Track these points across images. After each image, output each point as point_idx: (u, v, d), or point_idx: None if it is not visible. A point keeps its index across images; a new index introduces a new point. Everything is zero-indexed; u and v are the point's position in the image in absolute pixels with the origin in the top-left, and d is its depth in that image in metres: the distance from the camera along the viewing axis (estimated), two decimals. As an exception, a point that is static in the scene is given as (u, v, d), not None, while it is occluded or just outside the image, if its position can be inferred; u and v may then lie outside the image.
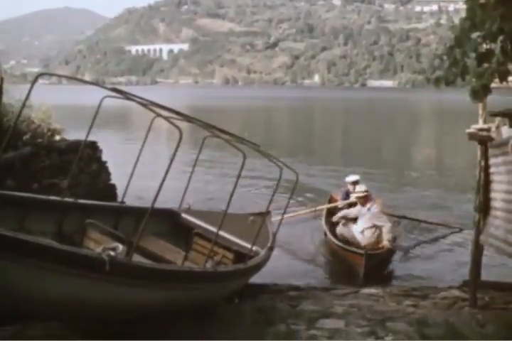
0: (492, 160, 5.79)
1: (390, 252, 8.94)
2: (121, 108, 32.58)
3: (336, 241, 8.87)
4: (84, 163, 10.11)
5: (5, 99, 9.23)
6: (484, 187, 5.88)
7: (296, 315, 5.72)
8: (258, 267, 6.39)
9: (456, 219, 11.26)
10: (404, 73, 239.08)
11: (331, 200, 11.33)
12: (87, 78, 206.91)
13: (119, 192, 9.32)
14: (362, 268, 7.88)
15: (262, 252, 6.48)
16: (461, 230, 10.75)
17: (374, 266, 7.96)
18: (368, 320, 5.51)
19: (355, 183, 10.59)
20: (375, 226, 9.09)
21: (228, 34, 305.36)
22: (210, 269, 5.41)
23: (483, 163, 5.90)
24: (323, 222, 10.14)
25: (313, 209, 11.16)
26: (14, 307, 3.80)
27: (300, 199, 13.00)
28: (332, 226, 9.83)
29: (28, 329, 4.59)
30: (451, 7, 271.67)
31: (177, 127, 4.40)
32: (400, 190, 14.84)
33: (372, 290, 6.93)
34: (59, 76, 7.66)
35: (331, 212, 10.52)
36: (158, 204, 4.69)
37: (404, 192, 14.58)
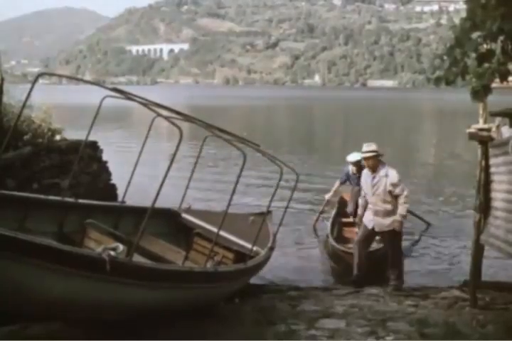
0: (492, 160, 5.79)
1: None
2: (122, 108, 32.58)
3: (334, 243, 8.78)
4: (84, 162, 10.12)
5: (5, 99, 9.25)
6: (484, 187, 5.87)
7: (297, 315, 5.71)
8: (258, 267, 6.40)
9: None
10: (404, 73, 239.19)
11: (341, 201, 10.63)
12: (87, 78, 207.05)
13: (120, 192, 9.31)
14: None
15: (263, 252, 6.48)
16: (429, 225, 10.84)
17: (372, 265, 7.91)
18: (368, 320, 5.50)
19: (357, 164, 9.41)
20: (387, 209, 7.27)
21: (228, 34, 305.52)
22: (211, 269, 5.42)
23: (483, 163, 5.89)
24: (329, 222, 9.94)
25: (320, 209, 10.92)
26: (14, 307, 3.80)
27: (300, 198, 12.97)
28: (338, 226, 9.77)
29: (28, 329, 4.59)
30: (451, 7, 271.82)
31: (178, 127, 4.41)
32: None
33: (373, 290, 6.93)
34: (59, 76, 7.67)
35: (342, 212, 10.18)
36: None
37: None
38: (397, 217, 7.20)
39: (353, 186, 9.95)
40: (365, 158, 7.42)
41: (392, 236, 7.37)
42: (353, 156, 9.58)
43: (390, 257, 7.44)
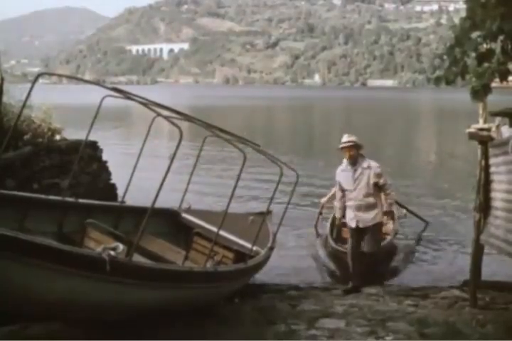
0: (492, 160, 5.79)
1: (390, 250, 8.88)
2: (122, 108, 32.60)
3: (334, 244, 8.76)
4: (84, 162, 10.11)
5: (5, 99, 9.25)
6: (484, 186, 5.87)
7: (297, 315, 5.71)
8: (258, 267, 6.40)
9: None
10: (404, 73, 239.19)
11: None
12: (87, 77, 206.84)
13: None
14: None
15: (263, 252, 6.48)
16: (427, 223, 10.93)
17: (372, 265, 7.90)
18: (368, 319, 5.50)
19: None
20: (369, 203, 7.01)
21: (228, 33, 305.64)
22: (211, 269, 5.42)
23: (483, 163, 5.89)
24: (328, 223, 9.93)
25: (319, 210, 10.92)
26: (14, 307, 3.80)
27: (301, 198, 12.95)
28: (338, 226, 9.75)
29: (28, 329, 4.59)
30: (451, 7, 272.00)
31: (177, 127, 4.40)
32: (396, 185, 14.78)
33: (373, 290, 6.93)
34: (59, 75, 7.67)
35: None
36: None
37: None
38: (386, 208, 7.04)
39: None
40: (347, 149, 6.98)
41: (375, 231, 7.11)
42: None
43: (369, 252, 7.13)
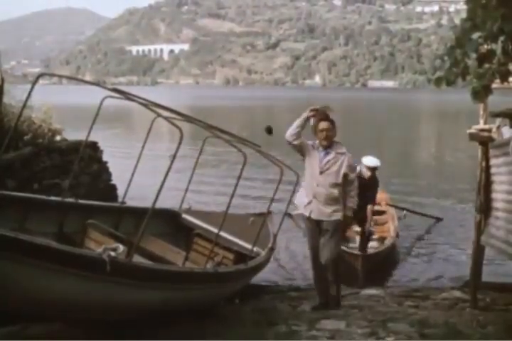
0: (493, 161, 5.79)
1: (391, 250, 8.88)
2: (123, 108, 32.57)
3: None
4: (85, 163, 10.13)
5: (6, 100, 9.26)
6: (485, 187, 5.87)
7: (297, 316, 5.71)
8: (259, 268, 6.39)
9: None
10: (405, 73, 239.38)
11: None
12: (87, 78, 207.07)
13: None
14: (359, 269, 7.80)
15: (263, 253, 6.48)
16: (439, 219, 11.01)
17: (373, 266, 7.91)
18: (368, 320, 5.50)
19: (373, 170, 8.15)
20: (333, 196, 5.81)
21: (229, 34, 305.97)
22: (211, 270, 5.41)
23: (483, 164, 5.89)
24: None
25: None
26: (14, 307, 3.80)
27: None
28: None
29: (28, 329, 4.58)
30: (451, 7, 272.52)
31: (178, 127, 4.40)
32: (394, 184, 14.76)
33: (373, 291, 6.93)
34: (59, 76, 7.65)
35: None
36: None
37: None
38: (347, 212, 5.88)
39: None
40: (326, 127, 5.85)
41: (333, 229, 5.84)
42: (373, 161, 8.25)
43: (328, 258, 5.88)
